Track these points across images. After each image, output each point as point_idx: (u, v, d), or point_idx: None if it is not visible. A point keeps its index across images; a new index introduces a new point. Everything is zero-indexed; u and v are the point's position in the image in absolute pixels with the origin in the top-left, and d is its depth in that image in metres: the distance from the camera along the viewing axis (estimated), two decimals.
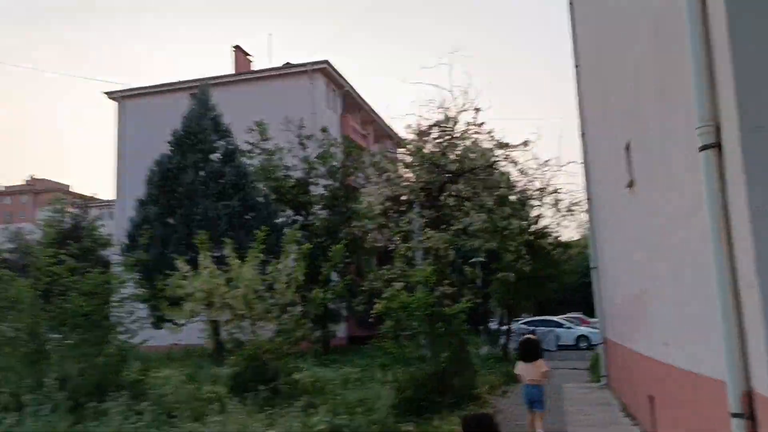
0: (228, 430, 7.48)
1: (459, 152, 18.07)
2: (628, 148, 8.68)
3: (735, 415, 4.07)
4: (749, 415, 4.02)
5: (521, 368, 8.83)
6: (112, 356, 9.37)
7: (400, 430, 8.89)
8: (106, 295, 11.58)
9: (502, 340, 26.68)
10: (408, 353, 11.67)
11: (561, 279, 21.45)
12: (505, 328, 28.65)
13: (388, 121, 37.15)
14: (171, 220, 24.47)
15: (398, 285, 14.52)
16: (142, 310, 15.06)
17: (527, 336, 10.60)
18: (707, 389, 5.13)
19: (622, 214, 10.31)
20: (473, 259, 15.00)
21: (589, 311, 51.27)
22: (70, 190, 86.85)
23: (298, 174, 27.39)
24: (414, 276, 12.70)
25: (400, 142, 21.38)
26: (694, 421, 5.84)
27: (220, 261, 13.95)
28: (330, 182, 28.08)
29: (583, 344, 32.84)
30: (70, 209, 40.98)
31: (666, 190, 6.36)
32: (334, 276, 19.87)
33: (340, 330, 34.85)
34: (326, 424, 7.37)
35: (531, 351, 9.01)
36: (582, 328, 34.98)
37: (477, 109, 18.56)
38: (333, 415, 7.90)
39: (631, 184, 8.59)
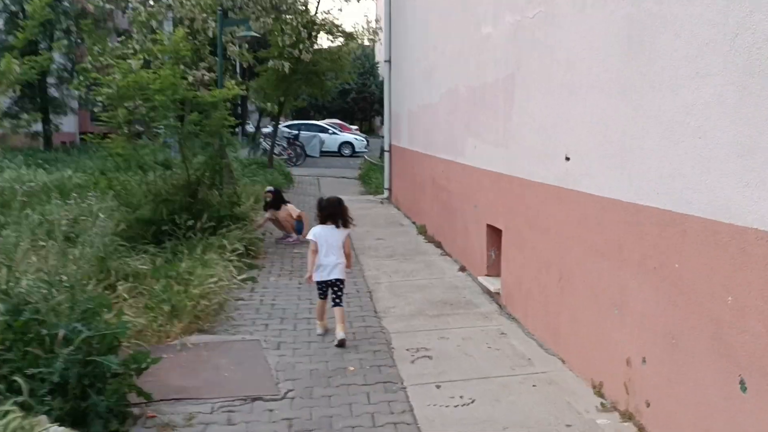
0: None
1: None
2: None
3: None
4: None
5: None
6: None
7: (111, 283, 5.66)
8: None
9: (264, 144, 23.69)
10: (145, 156, 8.06)
11: (342, 76, 18.44)
12: (268, 129, 25.59)
13: None
14: None
15: (136, 63, 10.30)
16: None
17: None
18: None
19: None
20: (242, 33, 11.12)
21: (348, 118, 50.46)
22: None
23: None
24: (159, 48, 8.66)
25: None
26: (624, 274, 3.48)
27: None
28: None
29: (346, 151, 31.32)
30: None
31: None
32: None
33: (68, 124, 29.05)
34: None
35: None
36: (346, 134, 33.30)
37: None
38: None
39: None
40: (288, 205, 9.28)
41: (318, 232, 5.11)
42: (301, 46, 14.03)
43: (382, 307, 5.97)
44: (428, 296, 6.32)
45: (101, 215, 7.46)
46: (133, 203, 8.08)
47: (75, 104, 27.71)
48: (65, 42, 19.75)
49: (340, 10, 41.02)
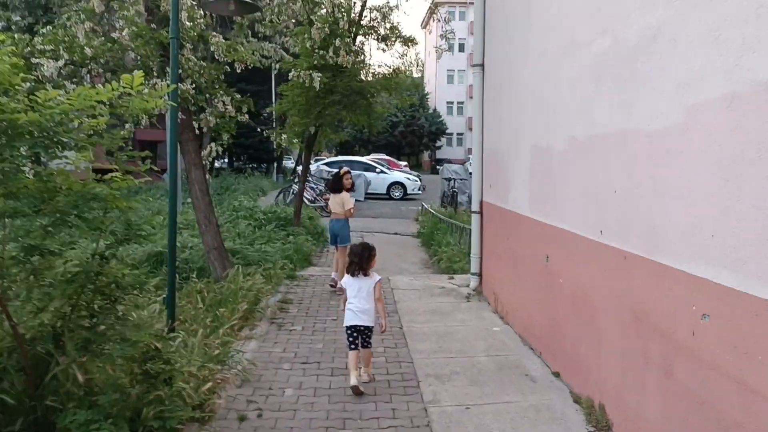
0: None
1: None
2: None
3: None
4: None
5: (331, 200, 8.36)
6: None
7: None
8: None
9: (294, 188, 18.53)
10: None
11: (399, 98, 13.02)
12: (300, 168, 20.46)
13: None
14: None
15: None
16: None
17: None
18: None
19: None
20: None
21: (394, 153, 45.23)
22: None
23: None
24: None
25: None
26: None
27: None
28: None
29: (396, 194, 26.12)
30: None
31: None
32: None
33: None
34: None
35: (337, 183, 8.34)
36: (396, 173, 28.07)
37: None
38: None
39: None
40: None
41: (345, 281, 5.14)
42: (336, 42, 8.87)
43: None
44: None
45: None
46: None
47: None
48: None
49: (397, 7, 34.61)
